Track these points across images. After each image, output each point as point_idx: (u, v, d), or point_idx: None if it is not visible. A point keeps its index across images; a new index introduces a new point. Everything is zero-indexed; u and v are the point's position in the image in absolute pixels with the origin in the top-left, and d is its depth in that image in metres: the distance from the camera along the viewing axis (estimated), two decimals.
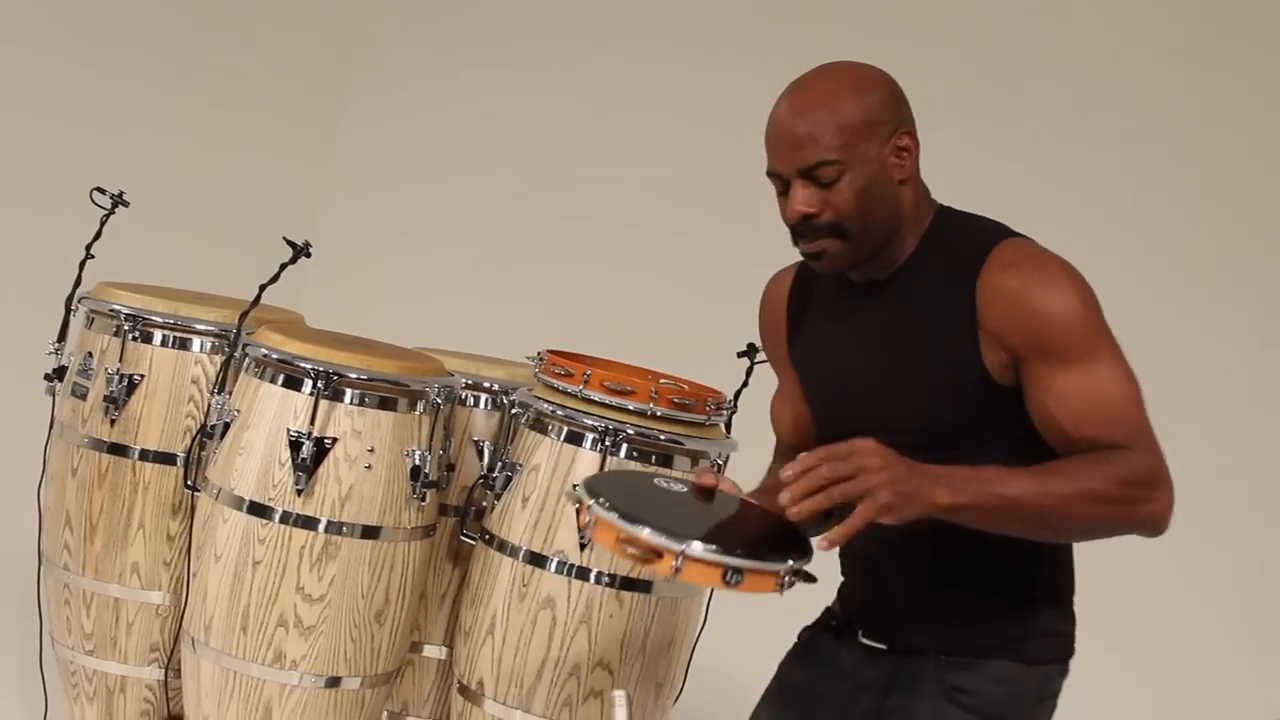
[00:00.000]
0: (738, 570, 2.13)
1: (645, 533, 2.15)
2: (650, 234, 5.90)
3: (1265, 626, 4.86)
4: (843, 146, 2.39)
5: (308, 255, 3.44)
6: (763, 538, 2.31)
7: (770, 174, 2.48)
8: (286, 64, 6.57)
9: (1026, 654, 2.52)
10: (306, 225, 6.25)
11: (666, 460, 3.38)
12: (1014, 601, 2.50)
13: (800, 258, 2.57)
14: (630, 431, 3.33)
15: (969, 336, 2.39)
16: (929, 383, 2.46)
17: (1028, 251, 2.42)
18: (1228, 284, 5.10)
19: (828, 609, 2.77)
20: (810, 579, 2.23)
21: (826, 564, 2.41)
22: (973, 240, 2.45)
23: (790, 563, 2.17)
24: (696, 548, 2.11)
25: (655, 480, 2.53)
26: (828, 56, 2.53)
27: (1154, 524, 2.29)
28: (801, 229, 2.45)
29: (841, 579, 2.74)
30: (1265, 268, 5.04)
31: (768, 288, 2.83)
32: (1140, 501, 2.26)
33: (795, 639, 2.80)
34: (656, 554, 2.15)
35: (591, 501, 2.24)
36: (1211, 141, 5.13)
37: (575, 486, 2.35)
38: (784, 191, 2.46)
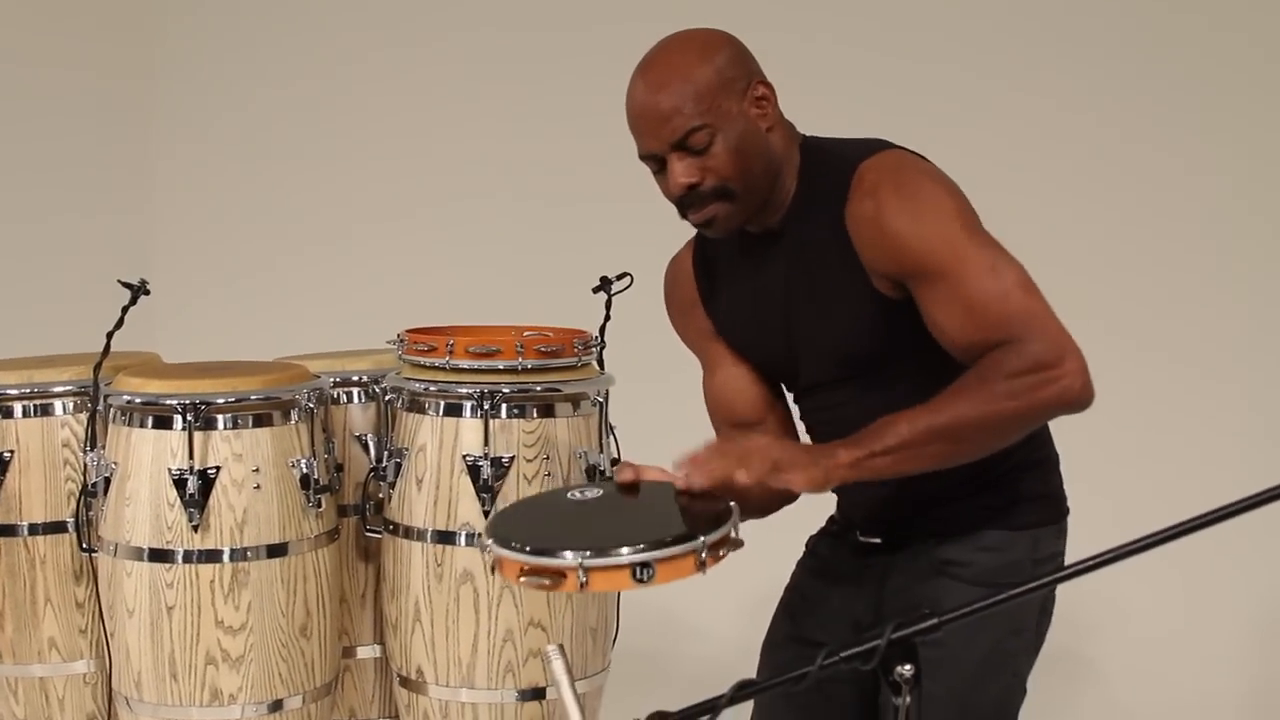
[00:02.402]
0: (645, 565, 2.07)
1: (542, 559, 2.11)
2: (477, 199, 5.90)
3: None
4: (707, 111, 2.41)
5: (146, 293, 3.40)
6: (676, 520, 2.23)
7: (644, 156, 2.50)
8: (84, 98, 6.34)
9: (1013, 520, 2.58)
10: (139, 261, 6.16)
11: (549, 409, 3.39)
12: (995, 474, 2.52)
13: (690, 237, 2.64)
14: (506, 390, 3.33)
15: (857, 268, 2.43)
16: (842, 317, 2.50)
17: (882, 170, 2.44)
18: None
19: (831, 516, 2.84)
20: (736, 545, 2.19)
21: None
22: (836, 170, 2.48)
23: (702, 539, 2.11)
24: (594, 557, 2.07)
25: (569, 494, 2.43)
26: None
27: (1067, 401, 2.30)
28: (688, 200, 2.47)
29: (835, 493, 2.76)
30: None
31: (668, 273, 2.85)
32: (1037, 388, 2.27)
33: (805, 547, 2.88)
34: (559, 574, 2.09)
35: (489, 542, 2.18)
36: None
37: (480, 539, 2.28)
38: (660, 170, 2.49)
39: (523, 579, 2.13)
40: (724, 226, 2.51)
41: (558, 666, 2.04)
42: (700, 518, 2.19)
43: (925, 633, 1.96)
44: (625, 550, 2.07)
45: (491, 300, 4.31)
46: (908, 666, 1.96)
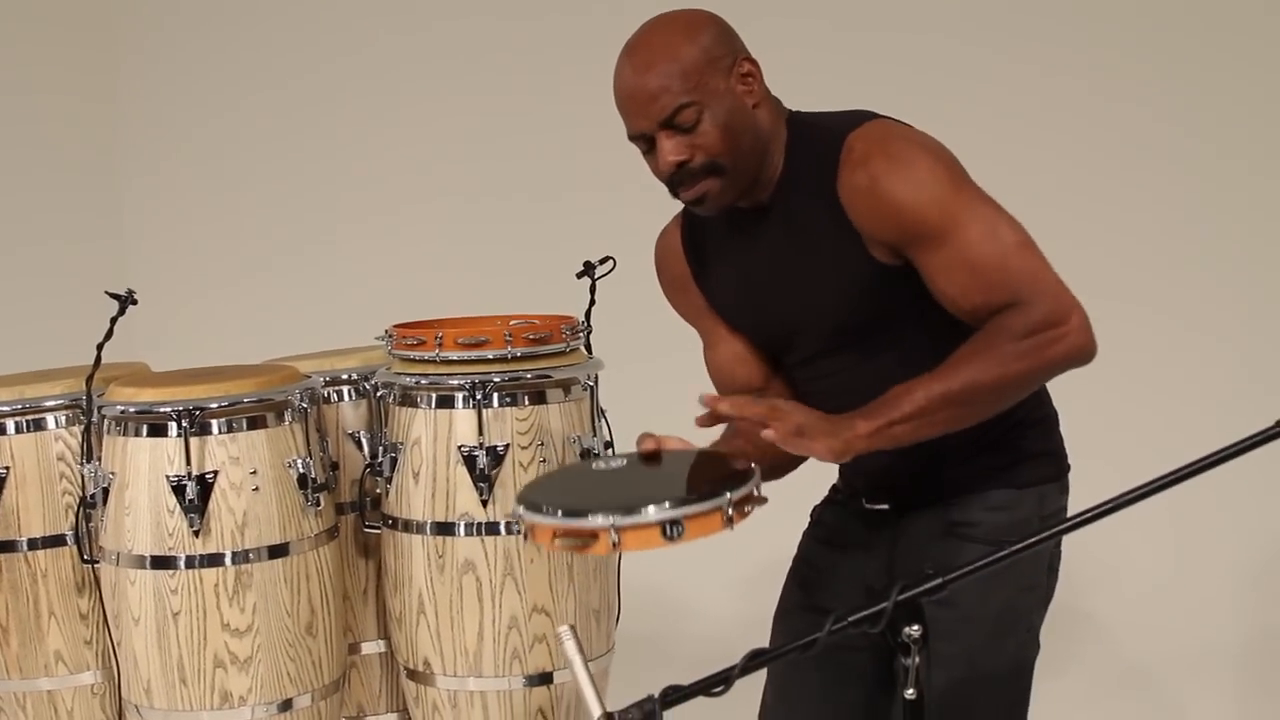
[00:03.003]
0: (675, 522, 2.13)
1: (573, 520, 2.17)
2: (451, 195, 5.91)
3: None
4: (695, 88, 2.46)
5: (134, 303, 3.41)
6: (700, 480, 2.30)
7: (633, 137, 2.54)
8: (49, 112, 6.30)
9: (1018, 478, 2.63)
10: (116, 274, 6.15)
11: (540, 396, 3.41)
12: (997, 434, 2.56)
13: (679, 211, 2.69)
14: (497, 379, 3.36)
15: (852, 238, 2.47)
16: (836, 288, 2.55)
17: (871, 140, 2.48)
18: None
19: (833, 485, 2.89)
20: (760, 502, 2.24)
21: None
22: (824, 143, 2.52)
23: (728, 495, 2.16)
24: (625, 516, 2.12)
25: (594, 465, 2.53)
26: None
27: (1072, 357, 2.37)
28: (678, 177, 2.51)
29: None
30: None
31: (658, 249, 2.89)
32: (1046, 346, 2.34)
33: (809, 517, 2.92)
34: (592, 535, 2.16)
35: (520, 509, 2.26)
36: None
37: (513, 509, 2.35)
38: (650, 149, 2.52)
39: (556, 542, 2.20)
40: (715, 203, 2.54)
41: (570, 647, 2.08)
42: (724, 477, 2.24)
43: (931, 592, 2.00)
44: (653, 509, 2.13)
45: (472, 292, 4.33)
46: (915, 627, 1.99)
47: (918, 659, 2.01)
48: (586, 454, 3.46)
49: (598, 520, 2.14)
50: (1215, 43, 5.14)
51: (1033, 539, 2.07)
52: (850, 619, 2.01)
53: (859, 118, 2.54)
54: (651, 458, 2.43)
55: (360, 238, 6.07)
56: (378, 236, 6.03)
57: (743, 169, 2.52)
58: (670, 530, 2.13)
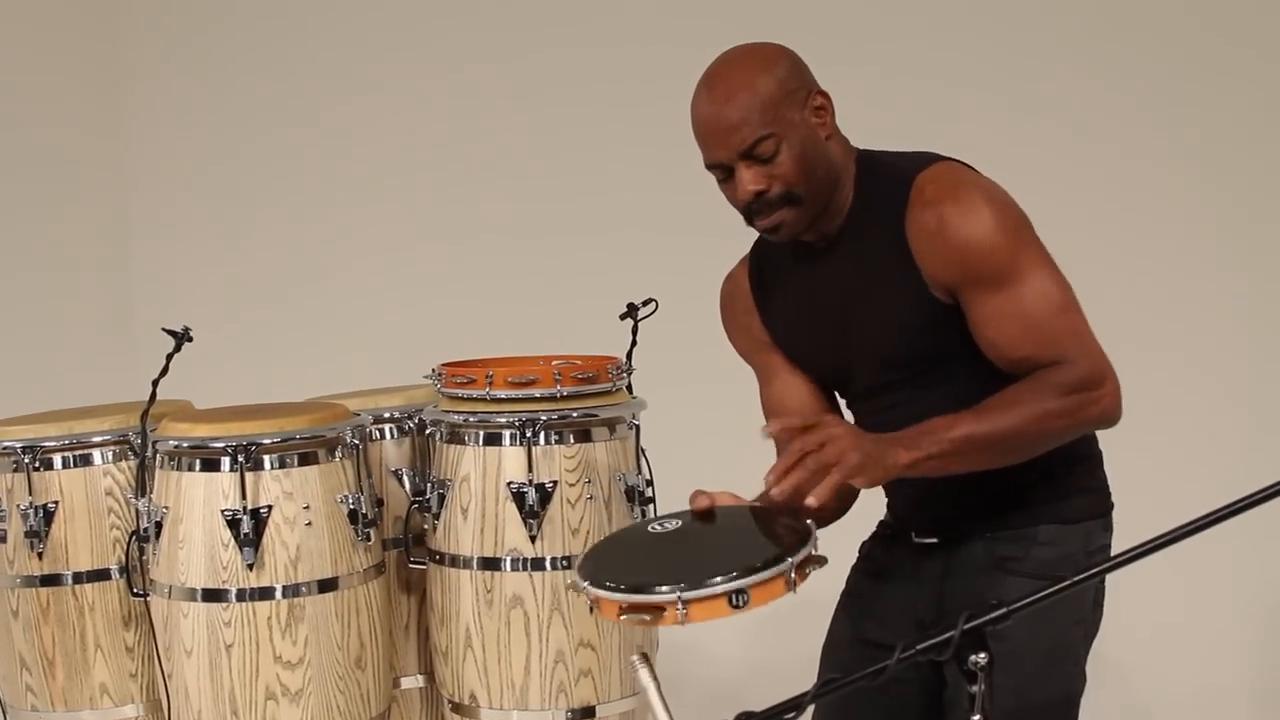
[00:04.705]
0: (740, 592, 2.14)
1: (638, 597, 2.18)
2: (493, 235, 5.88)
3: None
4: (772, 121, 2.53)
5: (189, 340, 3.46)
6: (759, 544, 2.30)
7: (711, 166, 2.61)
8: (60, 140, 6.24)
9: (1065, 514, 2.69)
10: (126, 315, 6.18)
11: (586, 434, 3.47)
12: (1044, 470, 2.62)
13: (747, 250, 2.79)
14: (544, 418, 3.41)
15: (914, 275, 2.55)
16: (897, 322, 2.62)
17: (942, 183, 2.56)
18: None
19: (881, 520, 2.94)
20: (821, 563, 2.25)
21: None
22: (893, 181, 2.60)
23: (789, 561, 2.18)
24: (691, 590, 2.13)
25: (650, 527, 2.46)
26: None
27: (1104, 420, 2.51)
28: (756, 206, 2.58)
29: (886, 497, 2.89)
30: None
31: (725, 289, 2.95)
32: (1083, 407, 2.46)
33: (858, 552, 2.97)
34: (659, 609, 2.16)
35: (585, 584, 2.25)
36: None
37: (573, 579, 2.33)
38: (727, 178, 2.60)
39: (623, 617, 2.20)
40: (789, 231, 2.62)
41: (644, 674, 2.12)
42: (783, 539, 2.27)
43: (995, 622, 2.04)
44: (719, 580, 2.14)
45: (506, 331, 4.36)
46: (982, 655, 2.04)
47: (983, 686, 2.06)
48: (632, 492, 3.52)
49: (664, 594, 2.15)
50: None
51: (1095, 569, 2.13)
52: (919, 648, 2.05)
53: (927, 158, 2.62)
54: (706, 515, 2.44)
55: (380, 275, 6.04)
56: (400, 274, 6.00)
57: (816, 198, 2.60)
58: (736, 599, 2.15)
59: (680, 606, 2.13)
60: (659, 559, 2.34)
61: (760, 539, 2.34)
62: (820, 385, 2.86)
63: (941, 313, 2.56)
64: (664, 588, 2.15)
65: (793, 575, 2.19)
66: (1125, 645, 4.92)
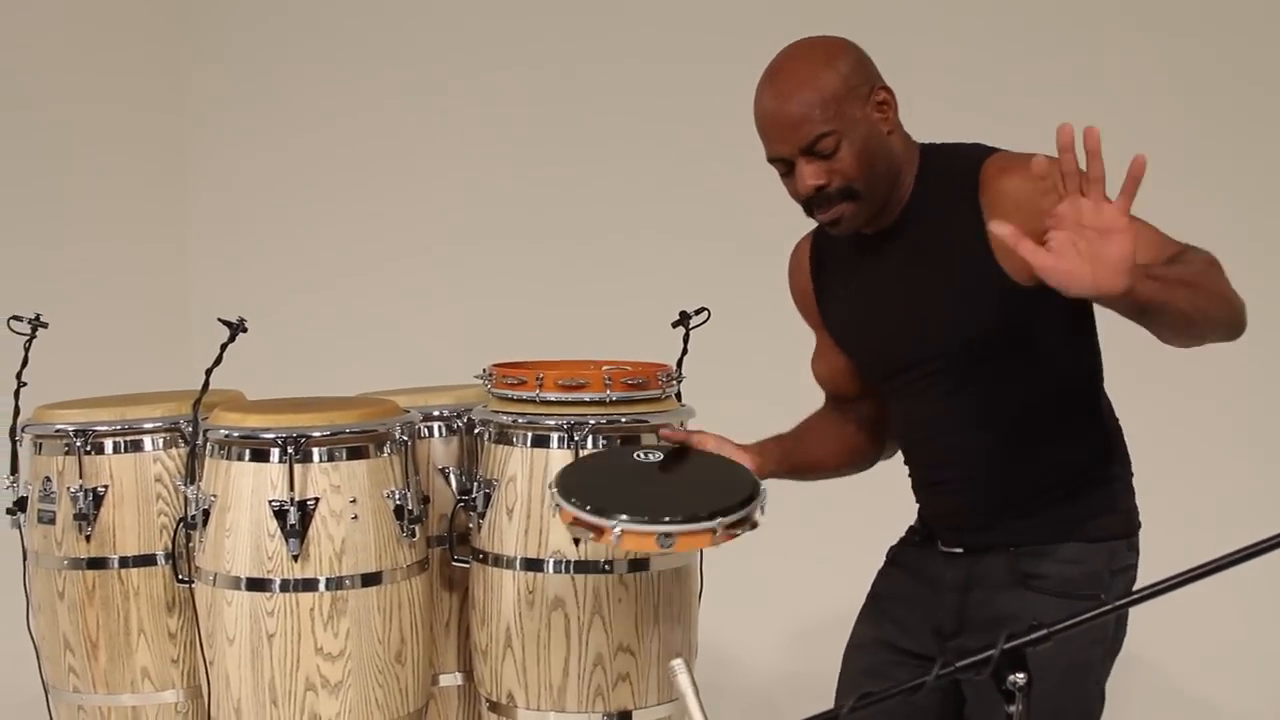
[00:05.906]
0: (668, 535, 2.57)
1: (582, 514, 2.64)
2: (550, 239, 5.90)
3: None
4: (834, 117, 2.56)
5: (244, 330, 3.49)
6: (705, 496, 2.67)
7: (772, 160, 2.65)
8: (121, 129, 6.31)
9: (1090, 533, 2.69)
10: (182, 304, 6.23)
11: (634, 440, 3.47)
12: (1070, 489, 2.66)
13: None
14: (593, 422, 3.42)
15: (985, 249, 2.54)
16: (961, 300, 2.63)
17: (1011, 156, 2.58)
18: None
19: (911, 526, 2.97)
20: (752, 525, 2.59)
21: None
22: (962, 164, 2.62)
23: (720, 521, 2.57)
24: (627, 521, 2.58)
25: (635, 454, 2.88)
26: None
27: (1244, 317, 2.37)
28: (816, 200, 2.62)
29: (917, 503, 2.94)
30: None
31: (791, 259, 3.02)
32: (1238, 305, 2.36)
33: (885, 557, 3.03)
34: (599, 530, 2.60)
35: (553, 489, 2.72)
36: None
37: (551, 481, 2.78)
38: (788, 173, 2.63)
39: (571, 526, 2.74)
40: (849, 225, 2.66)
41: (683, 680, 2.13)
42: (730, 498, 2.63)
43: (1036, 643, 2.05)
44: (655, 523, 2.57)
45: (558, 334, 4.37)
46: (1020, 675, 2.04)
47: (1020, 706, 2.06)
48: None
49: (607, 521, 2.59)
50: None
51: (1133, 596, 2.11)
52: (958, 665, 2.05)
53: (986, 148, 2.65)
54: (685, 455, 2.87)
55: (442, 279, 6.07)
56: (460, 279, 6.03)
57: (876, 193, 2.63)
58: (664, 541, 2.57)
59: (615, 534, 2.58)
60: (623, 487, 2.77)
61: (712, 493, 2.68)
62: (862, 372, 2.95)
63: (1009, 290, 2.52)
64: (612, 517, 2.59)
65: (719, 533, 2.58)
66: (1187, 666, 4.91)
